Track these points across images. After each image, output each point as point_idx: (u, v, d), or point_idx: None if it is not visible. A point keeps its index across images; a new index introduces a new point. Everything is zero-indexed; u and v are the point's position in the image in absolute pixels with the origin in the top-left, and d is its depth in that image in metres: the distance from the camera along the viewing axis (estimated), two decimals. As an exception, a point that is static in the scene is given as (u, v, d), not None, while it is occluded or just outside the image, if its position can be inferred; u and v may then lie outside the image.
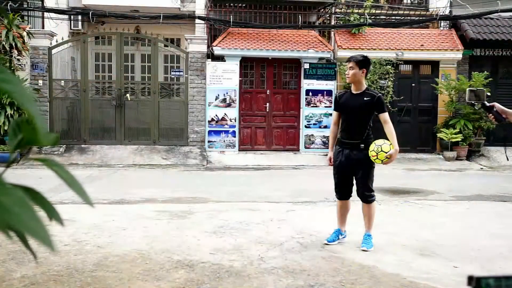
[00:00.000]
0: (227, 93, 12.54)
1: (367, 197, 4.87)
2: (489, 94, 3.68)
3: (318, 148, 12.80)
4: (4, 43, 11.10)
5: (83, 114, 12.33)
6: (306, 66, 12.71)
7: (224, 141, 12.60)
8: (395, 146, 4.70)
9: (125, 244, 4.88)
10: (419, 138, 13.27)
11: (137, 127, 12.54)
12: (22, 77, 11.34)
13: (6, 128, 10.79)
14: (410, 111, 13.25)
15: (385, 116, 4.82)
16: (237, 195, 7.75)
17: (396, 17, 14.01)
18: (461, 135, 12.45)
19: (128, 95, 12.39)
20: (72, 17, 13.32)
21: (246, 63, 12.77)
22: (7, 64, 11.27)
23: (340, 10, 13.64)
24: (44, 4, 12.99)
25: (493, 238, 5.33)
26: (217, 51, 12.38)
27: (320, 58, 12.74)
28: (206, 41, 12.59)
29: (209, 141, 12.57)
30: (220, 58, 12.57)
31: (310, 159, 12.23)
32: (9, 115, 10.91)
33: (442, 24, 14.08)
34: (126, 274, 4.03)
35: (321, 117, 12.79)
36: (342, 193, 4.98)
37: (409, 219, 6.30)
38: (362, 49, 12.42)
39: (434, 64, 13.24)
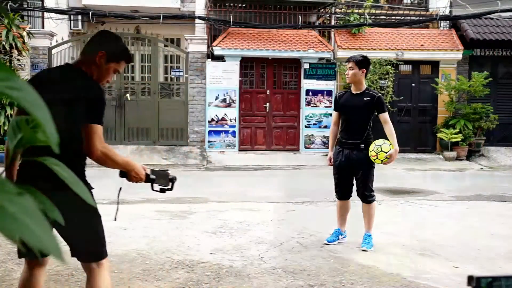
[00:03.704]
0: (227, 93, 12.54)
1: (367, 197, 4.87)
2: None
3: (318, 148, 12.79)
4: (4, 43, 11.09)
5: (83, 114, 12.30)
6: (306, 66, 12.70)
7: (224, 141, 12.60)
8: (395, 146, 4.70)
9: (125, 244, 4.88)
10: (419, 138, 13.26)
11: (137, 127, 12.53)
12: (22, 77, 11.34)
13: (6, 128, 10.79)
14: (410, 111, 13.23)
15: (385, 116, 4.82)
16: (237, 195, 7.75)
17: (396, 17, 14.00)
18: (461, 135, 12.44)
19: (128, 95, 12.39)
20: (72, 17, 13.30)
21: (246, 63, 12.76)
22: (7, 64, 11.27)
23: (340, 10, 13.63)
24: (44, 4, 12.97)
25: (493, 238, 5.33)
26: (217, 51, 12.38)
27: (320, 58, 12.74)
28: (206, 41, 12.59)
29: (209, 141, 12.56)
30: (220, 58, 12.56)
31: (310, 159, 12.23)
32: (9, 115, 10.92)
33: (442, 24, 14.07)
34: (126, 274, 4.03)
35: (321, 117, 12.79)
36: (342, 193, 4.98)
37: (409, 219, 6.30)
38: (362, 49, 12.41)
39: (434, 64, 13.23)
